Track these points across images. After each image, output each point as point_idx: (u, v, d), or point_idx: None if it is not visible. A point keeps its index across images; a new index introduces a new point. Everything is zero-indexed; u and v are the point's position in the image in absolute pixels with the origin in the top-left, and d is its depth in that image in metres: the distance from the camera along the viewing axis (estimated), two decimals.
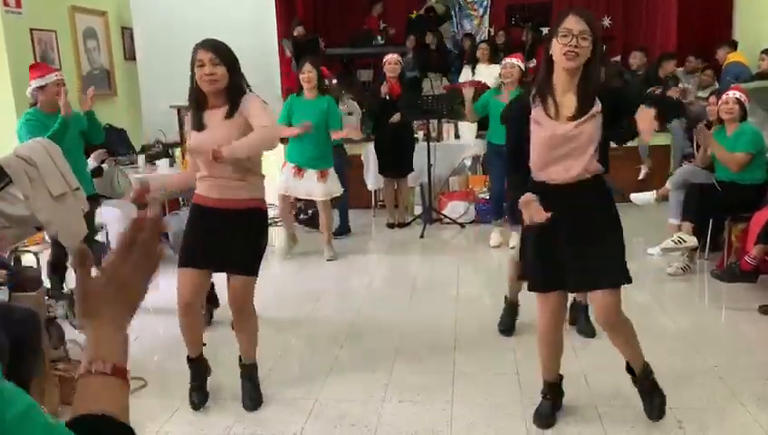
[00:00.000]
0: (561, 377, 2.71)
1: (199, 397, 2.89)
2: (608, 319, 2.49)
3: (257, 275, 2.82)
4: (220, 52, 2.63)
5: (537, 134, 2.37)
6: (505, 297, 3.62)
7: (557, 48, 2.27)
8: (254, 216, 2.77)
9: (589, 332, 3.42)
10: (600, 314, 2.50)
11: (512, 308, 3.58)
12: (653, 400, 2.61)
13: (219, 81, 2.62)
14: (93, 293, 0.88)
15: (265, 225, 2.88)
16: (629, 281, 2.43)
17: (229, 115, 2.66)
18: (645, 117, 2.27)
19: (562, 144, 2.33)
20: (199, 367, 2.95)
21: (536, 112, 2.37)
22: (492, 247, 5.44)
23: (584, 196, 2.39)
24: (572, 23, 2.24)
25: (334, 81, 5.13)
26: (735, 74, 6.42)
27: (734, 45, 7.14)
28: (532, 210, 2.36)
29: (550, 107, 2.34)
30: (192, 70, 2.65)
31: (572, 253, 2.40)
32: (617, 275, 2.42)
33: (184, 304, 2.81)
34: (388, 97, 5.80)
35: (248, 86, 2.74)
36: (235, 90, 2.67)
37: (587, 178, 2.37)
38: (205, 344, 3.01)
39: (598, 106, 2.33)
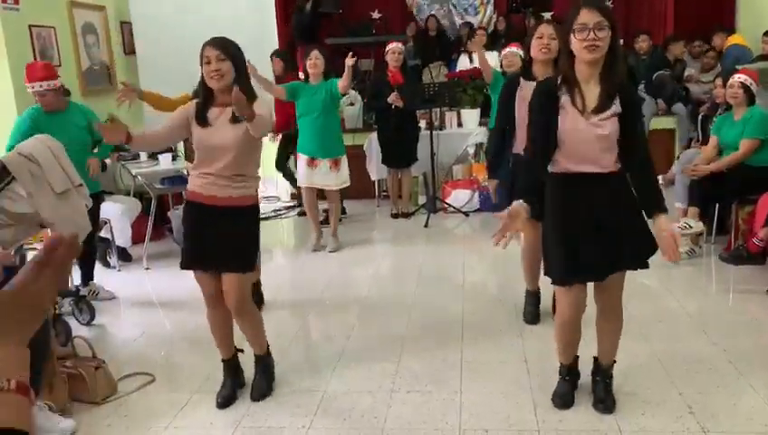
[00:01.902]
0: (577, 357, 2.72)
1: (225, 398, 2.87)
2: (614, 302, 2.50)
3: (252, 271, 2.85)
4: (226, 48, 2.67)
5: (565, 125, 2.34)
6: (527, 289, 3.60)
7: (576, 44, 2.26)
8: (249, 213, 2.80)
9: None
10: (608, 297, 2.50)
11: (534, 297, 3.58)
12: (606, 398, 2.64)
13: (225, 76, 2.65)
14: None
15: (258, 219, 2.90)
16: (653, 253, 2.43)
17: (235, 118, 2.66)
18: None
19: (589, 137, 2.32)
20: (232, 370, 2.94)
21: (564, 101, 2.35)
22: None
23: (604, 187, 2.38)
24: (587, 16, 2.23)
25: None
26: (736, 56, 6.35)
27: (729, 30, 7.05)
28: (514, 223, 2.32)
29: (577, 98, 2.33)
30: (202, 68, 2.69)
31: (593, 246, 2.38)
32: (640, 253, 2.42)
33: (210, 297, 2.82)
34: (394, 107, 5.77)
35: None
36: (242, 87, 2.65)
37: (611, 171, 2.36)
38: (242, 351, 2.99)
39: (618, 108, 2.32)
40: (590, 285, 2.54)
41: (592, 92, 2.34)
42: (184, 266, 2.80)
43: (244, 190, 2.74)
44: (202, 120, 2.71)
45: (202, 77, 2.71)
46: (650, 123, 6.69)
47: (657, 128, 6.70)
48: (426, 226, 5.83)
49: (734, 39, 6.79)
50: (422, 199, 6.56)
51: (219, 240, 2.71)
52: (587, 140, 2.33)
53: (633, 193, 2.45)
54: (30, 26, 5.29)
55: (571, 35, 2.27)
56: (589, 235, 2.39)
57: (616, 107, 2.32)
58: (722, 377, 2.85)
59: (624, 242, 2.39)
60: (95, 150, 4.26)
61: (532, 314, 3.56)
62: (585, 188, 2.38)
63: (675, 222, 4.49)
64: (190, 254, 2.79)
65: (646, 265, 2.44)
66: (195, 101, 2.79)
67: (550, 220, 2.49)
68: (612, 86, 2.32)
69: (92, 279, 4.30)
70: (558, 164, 2.41)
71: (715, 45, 7.00)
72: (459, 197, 6.31)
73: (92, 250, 4.28)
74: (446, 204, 6.31)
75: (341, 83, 4.88)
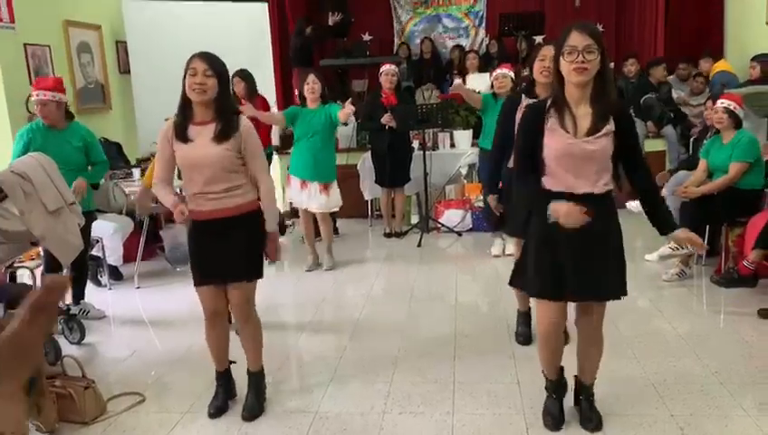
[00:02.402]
0: (562, 369, 2.72)
1: (217, 408, 2.91)
2: (594, 328, 2.54)
3: (261, 277, 2.86)
4: (214, 64, 2.67)
5: (552, 145, 2.37)
6: (518, 310, 3.61)
7: (565, 66, 2.29)
8: (251, 218, 2.79)
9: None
10: (588, 323, 2.53)
11: (526, 317, 3.58)
12: (592, 416, 2.66)
13: (208, 92, 2.65)
14: None
15: (261, 225, 2.87)
16: (626, 294, 2.49)
17: (220, 138, 2.67)
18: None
19: (578, 156, 2.35)
20: (225, 381, 2.98)
21: (552, 123, 2.38)
22: (494, 257, 5.41)
23: (591, 207, 2.39)
24: (576, 39, 2.26)
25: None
26: (723, 82, 6.43)
27: (716, 55, 7.15)
28: (571, 212, 2.35)
29: (567, 121, 2.36)
30: (184, 78, 2.67)
31: (575, 263, 2.41)
32: (617, 288, 2.46)
33: (210, 315, 2.84)
34: (388, 127, 5.81)
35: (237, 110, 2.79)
36: (223, 106, 2.70)
37: (598, 193, 2.38)
38: (234, 362, 3.01)
39: (612, 126, 2.35)
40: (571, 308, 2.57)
41: (583, 115, 2.36)
42: (197, 284, 2.80)
43: (241, 199, 2.75)
44: (183, 136, 2.70)
45: (184, 89, 2.68)
46: (643, 146, 6.75)
47: (648, 150, 6.76)
48: (419, 245, 5.84)
49: (720, 65, 6.88)
50: (415, 219, 6.58)
51: (225, 251, 2.73)
52: (576, 160, 2.35)
53: (618, 220, 2.49)
54: (25, 45, 5.31)
55: (561, 57, 2.30)
56: (568, 253, 2.41)
57: (610, 126, 2.35)
58: (713, 399, 2.86)
59: (598, 270, 2.41)
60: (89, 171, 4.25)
61: (525, 335, 3.56)
62: None
63: (665, 244, 4.54)
64: (199, 270, 2.80)
65: (616, 297, 2.47)
66: (170, 121, 2.76)
67: (534, 237, 2.51)
68: (605, 108, 2.35)
69: (83, 298, 4.28)
70: (547, 184, 2.43)
71: (702, 70, 7.09)
72: (452, 216, 6.34)
73: (83, 269, 4.26)
74: (439, 224, 6.33)
75: (342, 115, 4.90)
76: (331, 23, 8.46)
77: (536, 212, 2.49)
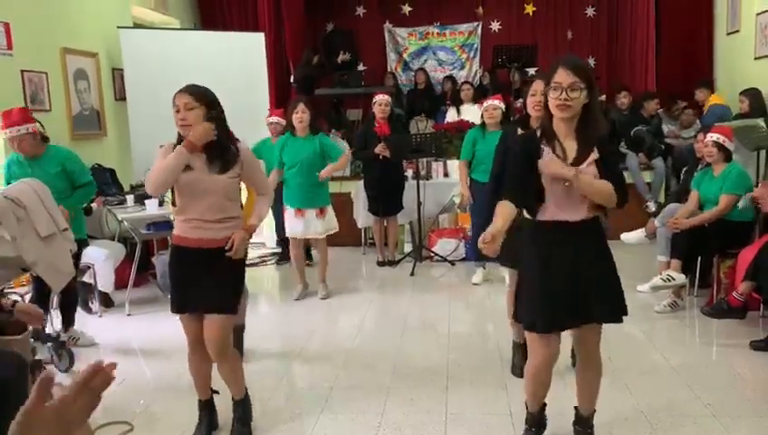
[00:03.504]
0: (544, 404, 2.70)
1: None
2: (592, 351, 2.53)
3: (235, 313, 2.81)
4: (195, 95, 2.66)
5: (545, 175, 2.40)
6: (514, 341, 3.58)
7: (550, 101, 2.34)
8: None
9: None
10: (585, 345, 2.53)
11: (522, 349, 3.54)
12: None
13: (192, 125, 2.65)
14: (38, 423, 0.86)
15: (243, 261, 2.87)
16: (626, 314, 2.47)
17: (222, 169, 2.69)
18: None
19: (567, 186, 2.36)
20: (207, 411, 2.95)
21: (547, 152, 2.41)
22: (473, 285, 5.44)
23: (583, 235, 2.42)
24: (562, 76, 2.30)
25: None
26: (719, 115, 6.49)
27: (710, 86, 7.24)
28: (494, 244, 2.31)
29: (557, 150, 2.40)
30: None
31: (571, 289, 2.41)
32: (615, 310, 2.46)
33: (192, 340, 2.82)
34: (382, 157, 5.86)
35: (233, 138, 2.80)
36: (216, 135, 2.68)
37: (587, 218, 2.41)
38: (217, 392, 2.98)
39: (596, 154, 2.37)
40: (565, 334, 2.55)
41: (571, 146, 2.40)
42: (175, 311, 2.79)
43: (229, 232, 2.74)
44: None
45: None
46: (639, 177, 6.83)
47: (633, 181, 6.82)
48: (412, 274, 5.83)
49: (714, 98, 6.96)
50: (408, 247, 6.59)
51: (204, 281, 2.71)
52: (567, 190, 2.36)
53: (608, 245, 2.50)
54: (22, 71, 5.34)
55: (548, 92, 2.35)
56: (565, 283, 2.41)
57: (594, 154, 2.38)
58: (706, 432, 2.84)
59: (598, 293, 2.42)
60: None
61: (521, 367, 3.51)
62: (564, 236, 2.41)
63: (655, 275, 4.55)
64: (179, 298, 2.78)
65: (619, 320, 2.47)
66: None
67: (528, 267, 2.52)
68: (589, 141, 2.38)
69: (73, 325, 4.24)
70: (544, 213, 2.44)
71: (698, 100, 7.18)
72: (445, 245, 6.35)
73: (73, 295, 4.22)
74: (432, 252, 6.34)
75: (324, 174, 4.98)
76: (339, 60, 8.68)
77: (530, 245, 2.50)
